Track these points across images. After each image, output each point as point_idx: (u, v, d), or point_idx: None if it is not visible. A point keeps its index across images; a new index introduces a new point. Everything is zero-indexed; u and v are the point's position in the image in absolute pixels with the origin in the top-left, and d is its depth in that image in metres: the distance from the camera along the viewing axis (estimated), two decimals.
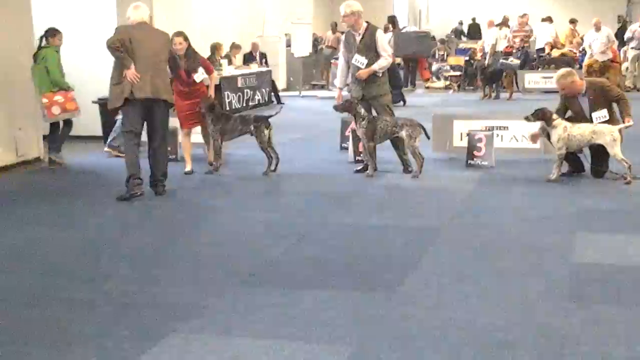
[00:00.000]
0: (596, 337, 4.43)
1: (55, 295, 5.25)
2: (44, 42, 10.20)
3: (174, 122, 10.85)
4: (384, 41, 9.54)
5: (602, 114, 8.73)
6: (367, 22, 9.44)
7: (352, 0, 9.38)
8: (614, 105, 8.82)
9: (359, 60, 9.25)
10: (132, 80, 7.99)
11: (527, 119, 8.91)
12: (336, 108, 9.27)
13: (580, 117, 8.84)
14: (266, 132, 9.27)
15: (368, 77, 9.19)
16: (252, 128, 9.34)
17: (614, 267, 5.71)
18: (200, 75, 9.54)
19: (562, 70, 9.13)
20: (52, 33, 10.24)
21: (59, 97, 10.18)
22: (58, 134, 10.50)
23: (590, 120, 8.73)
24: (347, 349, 4.32)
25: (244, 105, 16.91)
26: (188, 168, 9.57)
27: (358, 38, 9.33)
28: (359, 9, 9.34)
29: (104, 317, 4.84)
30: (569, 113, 9.02)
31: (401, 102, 17.43)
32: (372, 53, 9.26)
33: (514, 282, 5.39)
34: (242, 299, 5.14)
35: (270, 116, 9.40)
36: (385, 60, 9.31)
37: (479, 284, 5.37)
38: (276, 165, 9.36)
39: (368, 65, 9.20)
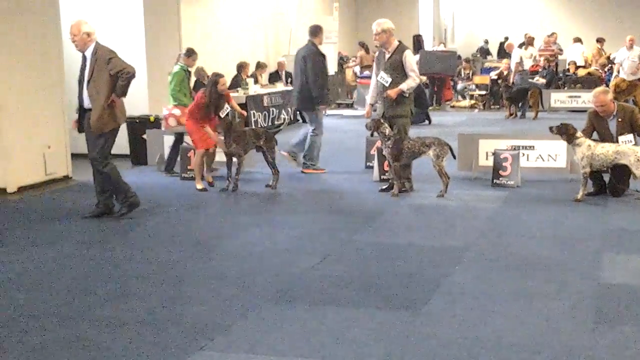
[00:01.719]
0: (622, 359, 4.39)
1: (83, 314, 5.30)
2: (181, 59, 11.00)
3: (188, 141, 11.02)
4: (413, 61, 9.56)
5: (628, 137, 8.79)
6: (399, 41, 9.54)
7: (383, 19, 9.49)
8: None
9: (384, 78, 9.31)
10: (119, 108, 8.38)
11: (550, 129, 8.91)
12: (367, 127, 9.28)
13: (607, 139, 8.85)
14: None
15: (396, 96, 9.22)
16: (262, 142, 9.75)
17: None
18: (224, 111, 10.22)
19: (602, 88, 9.22)
20: (188, 53, 10.97)
21: (176, 111, 10.69)
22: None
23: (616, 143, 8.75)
24: None
25: (270, 123, 16.99)
26: (200, 186, 9.76)
27: (387, 56, 9.39)
28: (390, 27, 9.44)
29: (130, 335, 4.88)
30: (594, 135, 9.02)
31: (426, 122, 17.45)
32: (398, 72, 9.32)
33: (540, 302, 5.37)
34: (267, 317, 5.17)
35: (277, 131, 9.66)
36: (413, 81, 9.35)
37: (504, 303, 5.36)
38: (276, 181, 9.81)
39: (392, 83, 9.25)
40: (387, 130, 9.08)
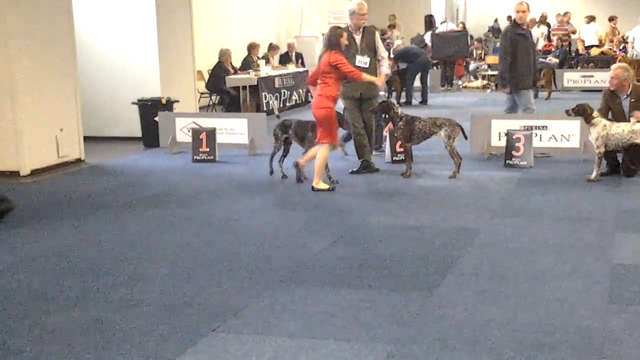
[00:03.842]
0: (637, 339, 4.39)
1: (97, 296, 5.33)
2: None
3: (212, 122, 10.98)
4: (381, 43, 9.80)
5: None
6: None
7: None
8: None
9: (362, 60, 9.32)
10: None
11: (567, 112, 8.87)
12: (373, 111, 9.25)
13: (621, 119, 8.83)
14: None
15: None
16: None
17: None
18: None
19: (623, 64, 9.19)
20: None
21: None
22: None
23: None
24: (385, 349, 4.33)
25: (281, 105, 16.97)
26: (324, 186, 8.58)
27: (358, 38, 9.38)
28: None
29: (144, 317, 4.90)
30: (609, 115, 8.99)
31: (415, 102, 17.45)
32: (372, 52, 9.47)
33: (553, 283, 5.36)
34: (280, 298, 5.18)
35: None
36: (387, 62, 9.75)
37: (517, 284, 5.35)
38: None
39: (370, 64, 9.38)
40: (400, 111, 9.05)
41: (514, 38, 10.33)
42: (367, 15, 9.54)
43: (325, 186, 8.50)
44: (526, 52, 10.38)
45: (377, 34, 9.79)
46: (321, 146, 8.45)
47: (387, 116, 9.27)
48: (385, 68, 9.62)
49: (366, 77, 8.74)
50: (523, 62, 10.36)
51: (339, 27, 8.69)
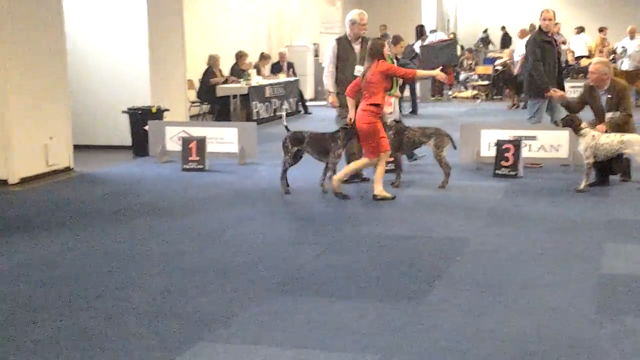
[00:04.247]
0: (625, 349, 4.39)
1: (84, 305, 5.30)
2: (390, 47, 10.84)
3: (202, 131, 10.97)
4: None
5: (616, 115, 8.87)
6: None
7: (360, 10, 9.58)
8: (631, 128, 8.93)
9: (360, 70, 9.31)
10: None
11: (556, 123, 8.93)
12: None
13: (599, 114, 8.96)
14: None
15: None
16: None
17: None
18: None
19: (603, 59, 9.24)
20: (394, 40, 11.09)
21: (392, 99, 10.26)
22: None
23: (604, 119, 8.89)
24: (374, 358, 4.32)
25: (272, 115, 16.99)
26: (387, 195, 8.53)
27: (357, 48, 9.38)
28: None
29: (131, 327, 4.87)
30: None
31: (405, 112, 17.52)
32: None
33: (542, 293, 5.36)
34: (269, 308, 5.16)
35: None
36: None
37: (507, 294, 5.35)
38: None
39: None
40: (389, 121, 9.07)
41: (541, 45, 10.29)
42: (367, 25, 9.52)
43: (389, 195, 8.45)
44: (552, 59, 10.39)
45: None
46: (379, 159, 8.46)
47: None
48: None
49: (421, 72, 8.88)
50: (549, 69, 10.33)
51: (379, 38, 8.77)
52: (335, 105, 9.42)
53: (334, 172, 8.69)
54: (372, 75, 8.32)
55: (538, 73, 10.15)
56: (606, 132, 8.64)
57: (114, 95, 12.62)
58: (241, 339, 4.65)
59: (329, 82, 9.51)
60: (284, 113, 9.40)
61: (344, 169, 8.69)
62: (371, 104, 8.32)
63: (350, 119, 8.65)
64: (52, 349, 4.54)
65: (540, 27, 10.54)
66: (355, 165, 8.77)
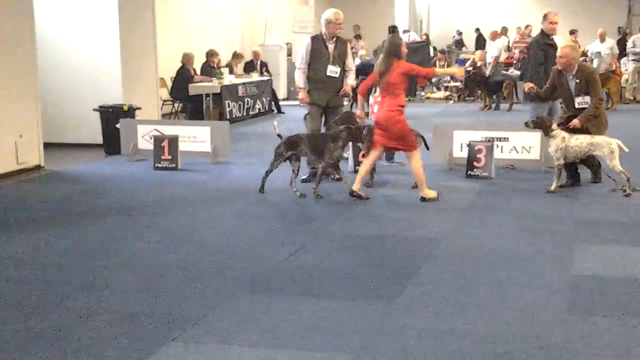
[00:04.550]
0: (595, 349, 4.43)
1: (54, 305, 5.25)
2: None
3: (175, 130, 10.92)
4: (351, 54, 9.87)
5: (585, 99, 8.87)
6: None
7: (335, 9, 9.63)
8: (602, 114, 8.97)
9: (333, 70, 9.37)
10: None
11: (526, 124, 8.99)
12: (335, 122, 9.22)
13: (567, 100, 9.02)
14: None
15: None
16: None
17: (613, 279, 5.71)
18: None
19: (571, 43, 9.27)
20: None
21: None
22: None
23: (574, 104, 8.89)
24: (347, 358, 4.32)
25: (245, 114, 16.95)
26: (432, 194, 8.51)
27: (331, 47, 9.42)
28: None
29: (102, 326, 4.83)
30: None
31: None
32: (342, 63, 9.52)
33: (514, 293, 5.40)
34: (242, 307, 5.15)
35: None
36: (354, 75, 9.79)
37: (478, 294, 5.38)
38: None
39: (340, 73, 9.46)
40: (362, 121, 9.07)
41: (544, 48, 10.19)
42: (343, 25, 9.52)
43: (434, 195, 8.43)
44: (553, 62, 10.36)
45: (349, 45, 9.84)
46: (411, 155, 8.44)
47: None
48: (351, 80, 9.65)
49: (439, 71, 8.89)
50: (550, 72, 10.07)
51: (398, 37, 8.81)
52: (306, 101, 9.46)
53: (325, 173, 8.68)
54: (395, 76, 8.28)
55: (538, 77, 10.02)
56: (582, 127, 8.68)
57: (85, 93, 12.52)
58: (214, 338, 4.63)
59: (299, 79, 9.55)
60: (275, 122, 9.25)
61: (361, 174, 8.58)
62: (399, 105, 8.34)
63: (360, 117, 8.76)
64: (23, 348, 4.49)
65: (542, 30, 10.46)
66: (366, 166, 8.65)
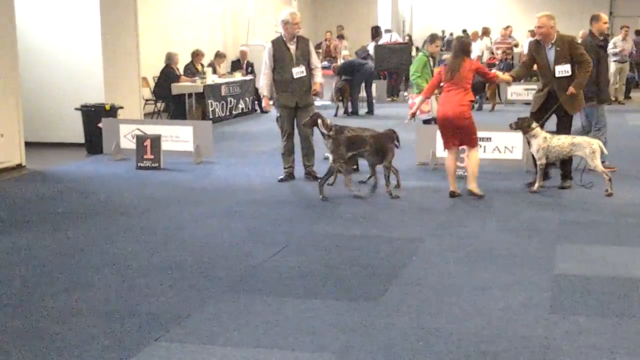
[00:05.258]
0: (578, 348, 4.45)
1: (37, 304, 5.22)
2: (425, 46, 11.11)
3: (157, 129, 10.88)
4: (314, 52, 9.91)
5: (565, 68, 8.80)
6: None
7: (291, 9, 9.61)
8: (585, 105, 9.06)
9: (298, 71, 9.41)
10: None
11: (510, 126, 9.01)
12: (305, 125, 9.19)
13: (545, 70, 8.94)
14: None
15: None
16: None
17: (595, 278, 5.74)
18: None
19: (547, 13, 9.21)
20: (431, 39, 11.03)
21: (417, 98, 9.94)
22: None
23: (554, 74, 8.82)
24: (330, 358, 4.32)
25: (228, 113, 16.90)
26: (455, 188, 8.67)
27: (293, 48, 9.44)
28: None
29: (85, 326, 4.80)
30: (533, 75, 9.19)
31: (362, 112, 17.69)
32: (306, 61, 9.53)
33: (497, 293, 5.41)
34: (225, 307, 5.13)
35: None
36: (321, 72, 9.83)
37: (461, 294, 5.39)
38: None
39: (305, 73, 9.47)
40: (328, 122, 8.99)
41: (597, 50, 9.85)
42: (300, 24, 9.55)
43: (481, 192, 8.52)
44: (606, 64, 10.25)
45: (311, 43, 9.82)
46: (472, 150, 8.58)
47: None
48: (319, 77, 9.67)
49: (501, 76, 9.47)
50: (604, 75, 10.07)
51: (467, 37, 8.95)
52: (268, 109, 9.55)
53: (390, 173, 8.68)
54: (467, 72, 8.46)
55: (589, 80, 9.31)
56: (570, 93, 8.63)
57: (67, 92, 12.44)
58: (197, 338, 4.61)
59: (263, 85, 9.67)
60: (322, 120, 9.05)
61: (472, 174, 8.56)
62: (469, 100, 8.56)
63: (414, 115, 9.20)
64: (4, 348, 4.46)
65: (590, 31, 10.23)
66: (474, 166, 8.58)
